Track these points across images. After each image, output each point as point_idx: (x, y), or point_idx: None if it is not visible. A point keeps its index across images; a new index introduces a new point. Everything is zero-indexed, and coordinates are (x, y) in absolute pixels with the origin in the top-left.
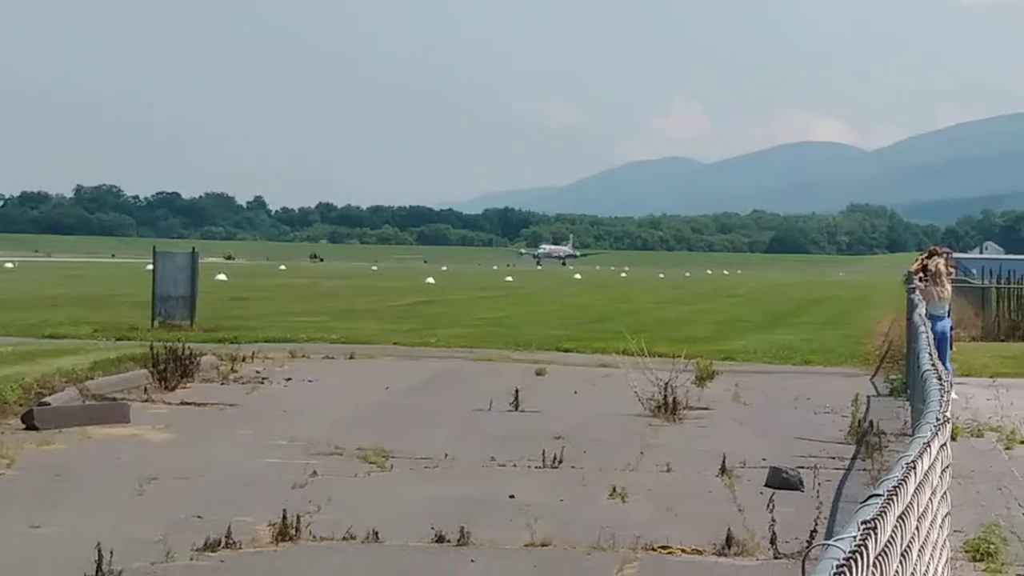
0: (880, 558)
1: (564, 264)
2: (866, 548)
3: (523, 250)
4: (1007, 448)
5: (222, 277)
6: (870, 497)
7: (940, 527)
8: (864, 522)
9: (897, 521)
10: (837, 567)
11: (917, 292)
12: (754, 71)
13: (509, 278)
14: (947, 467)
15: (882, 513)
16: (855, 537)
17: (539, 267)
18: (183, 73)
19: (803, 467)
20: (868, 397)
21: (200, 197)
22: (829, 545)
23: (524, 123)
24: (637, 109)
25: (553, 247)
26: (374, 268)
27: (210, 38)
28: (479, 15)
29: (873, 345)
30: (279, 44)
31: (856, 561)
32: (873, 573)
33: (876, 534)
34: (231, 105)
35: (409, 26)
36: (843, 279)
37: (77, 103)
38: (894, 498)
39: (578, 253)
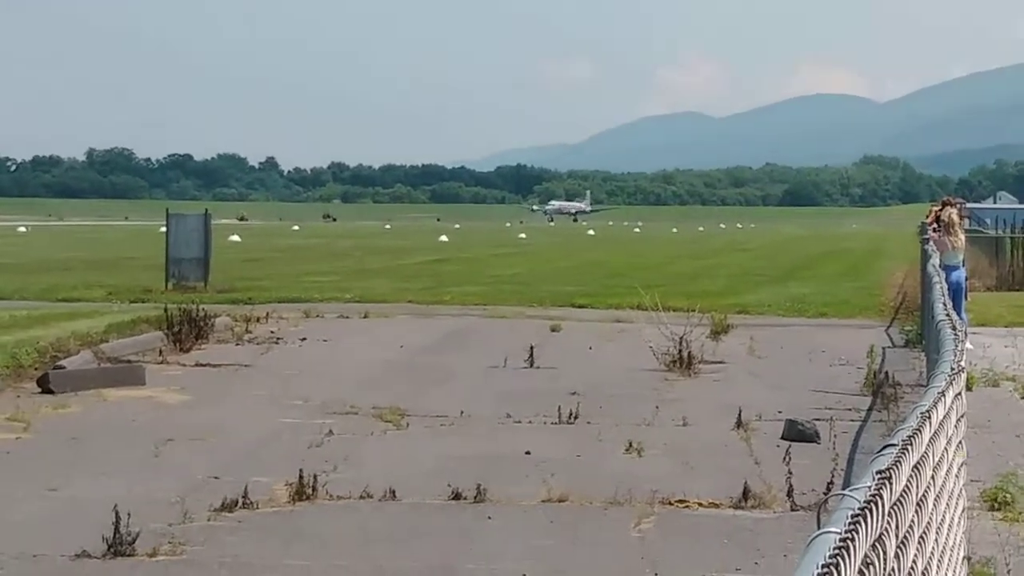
0: (895, 508)
1: (575, 220)
2: (881, 498)
3: (534, 207)
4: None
5: (235, 238)
6: (885, 447)
7: (956, 476)
8: (879, 472)
9: (912, 471)
10: (852, 517)
11: (931, 243)
12: (766, 24)
13: (522, 235)
14: (962, 416)
15: (897, 463)
16: (870, 487)
17: (551, 223)
18: (193, 32)
19: (819, 419)
20: (883, 348)
21: (212, 159)
22: (844, 495)
23: (536, 80)
24: (648, 65)
25: (563, 203)
26: (387, 227)
27: None
28: None
29: (888, 296)
30: (291, 4)
31: (871, 511)
32: (888, 523)
33: (891, 484)
34: (241, 64)
35: None
36: (856, 231)
37: (87, 66)
38: (909, 448)
39: (588, 209)
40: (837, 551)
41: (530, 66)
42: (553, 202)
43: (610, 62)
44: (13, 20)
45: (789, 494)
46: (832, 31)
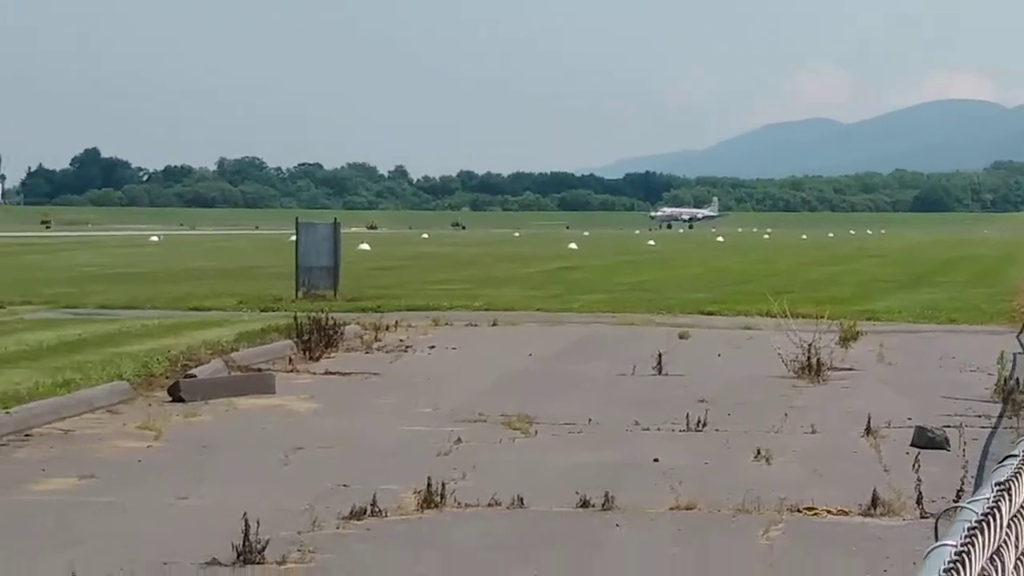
0: (1015, 520)
1: (691, 227)
2: (999, 510)
3: (653, 213)
4: None
5: (365, 247)
6: (1006, 458)
7: None
8: (998, 484)
9: None
10: (968, 529)
11: None
12: (893, 29)
13: (651, 242)
14: None
15: (1017, 474)
16: (988, 499)
17: (677, 230)
18: (323, 46)
19: (949, 426)
20: (1014, 355)
21: (342, 168)
22: (962, 507)
23: (662, 87)
24: (776, 72)
25: (673, 209)
26: (516, 235)
27: (347, 8)
28: None
29: (1019, 302)
30: (422, 13)
31: (989, 523)
32: (1007, 536)
33: (1010, 496)
34: (371, 75)
35: None
36: (988, 237)
37: (218, 78)
38: None
39: (700, 215)
40: (953, 564)
41: (656, 74)
42: (665, 208)
43: (736, 70)
44: (144, 31)
45: (919, 502)
46: (959, 35)
